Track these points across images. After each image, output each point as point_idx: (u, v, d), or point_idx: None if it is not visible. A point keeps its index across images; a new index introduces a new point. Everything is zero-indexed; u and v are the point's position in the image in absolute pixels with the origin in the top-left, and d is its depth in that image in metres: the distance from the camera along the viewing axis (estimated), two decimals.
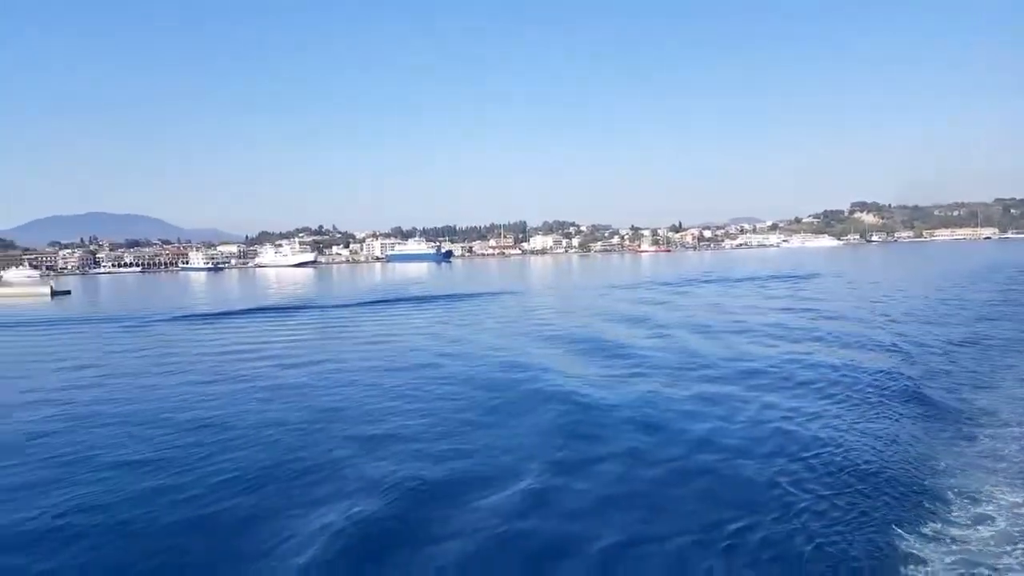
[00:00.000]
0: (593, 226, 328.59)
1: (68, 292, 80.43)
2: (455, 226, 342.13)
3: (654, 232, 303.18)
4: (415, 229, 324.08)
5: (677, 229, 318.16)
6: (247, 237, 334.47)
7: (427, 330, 33.71)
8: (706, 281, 66.85)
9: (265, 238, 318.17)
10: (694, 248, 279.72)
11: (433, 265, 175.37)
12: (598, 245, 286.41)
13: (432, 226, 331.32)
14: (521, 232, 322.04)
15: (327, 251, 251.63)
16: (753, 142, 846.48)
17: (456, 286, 73.77)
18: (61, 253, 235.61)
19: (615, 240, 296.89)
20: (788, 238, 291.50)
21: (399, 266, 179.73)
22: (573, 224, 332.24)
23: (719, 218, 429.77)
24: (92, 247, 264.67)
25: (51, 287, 79.46)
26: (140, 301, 69.46)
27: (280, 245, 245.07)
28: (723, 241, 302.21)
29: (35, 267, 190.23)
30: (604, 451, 12.38)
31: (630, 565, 8.37)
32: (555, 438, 13.15)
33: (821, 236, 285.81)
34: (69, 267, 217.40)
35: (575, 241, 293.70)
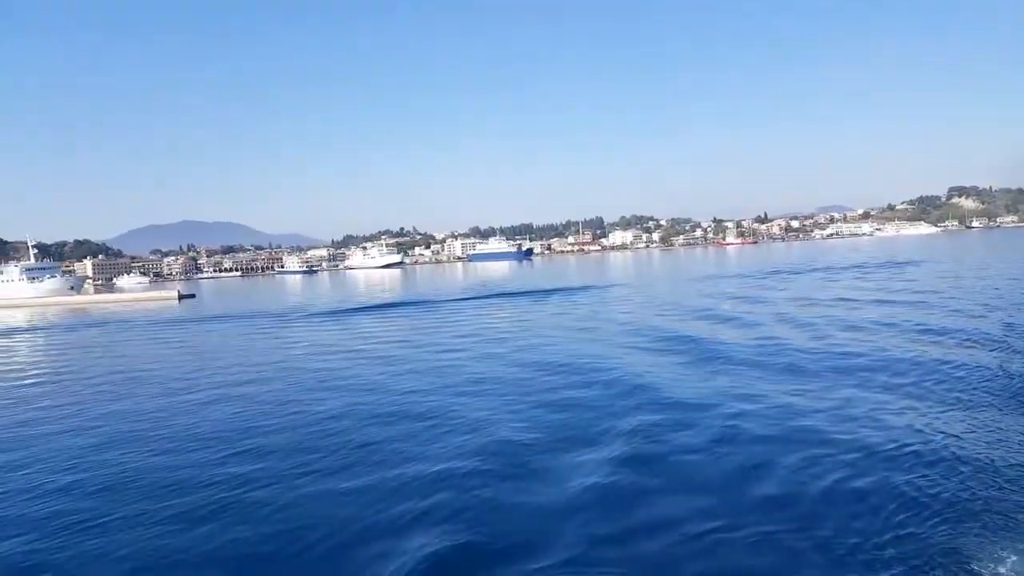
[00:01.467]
0: (673, 220, 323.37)
1: (193, 295, 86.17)
2: (532, 224, 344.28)
3: (738, 224, 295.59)
4: (492, 228, 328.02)
5: (763, 220, 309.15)
6: (332, 241, 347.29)
7: (568, 322, 34.83)
8: (812, 270, 65.44)
9: (350, 241, 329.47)
10: (782, 239, 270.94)
11: (515, 263, 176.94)
12: (680, 239, 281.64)
13: (509, 225, 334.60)
14: (599, 228, 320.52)
15: (410, 252, 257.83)
16: (838, 127, 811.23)
17: (556, 281, 74.85)
18: (166, 260, 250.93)
19: (698, 233, 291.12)
20: (881, 226, 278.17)
21: (480, 265, 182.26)
22: (652, 218, 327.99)
23: (805, 208, 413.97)
24: (192, 253, 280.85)
25: (179, 291, 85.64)
26: (261, 301, 73.66)
27: (365, 247, 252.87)
28: (812, 231, 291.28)
29: (144, 274, 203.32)
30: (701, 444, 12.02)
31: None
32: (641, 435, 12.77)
33: (917, 224, 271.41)
34: (174, 273, 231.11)
35: (655, 235, 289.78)
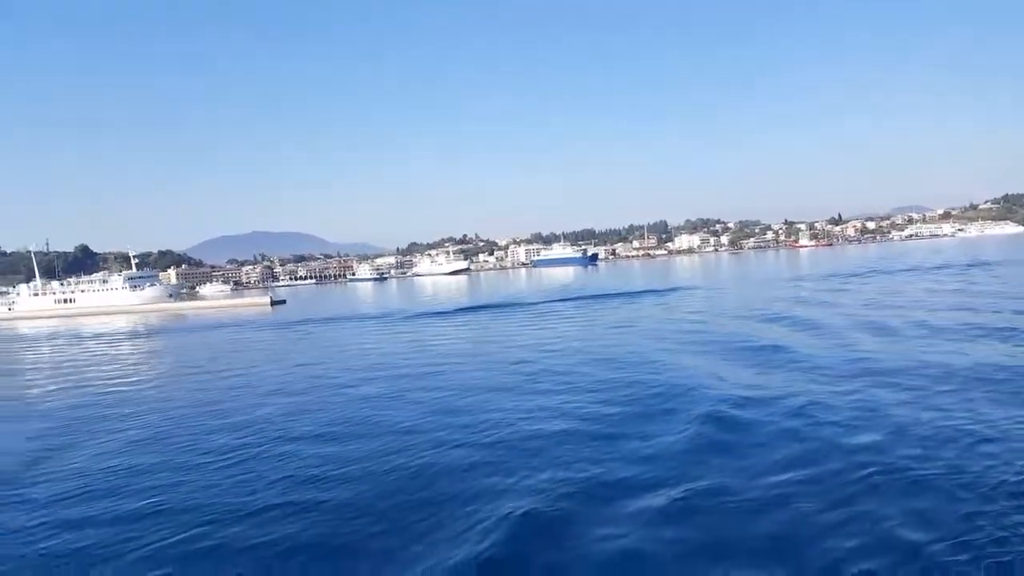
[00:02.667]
0: (741, 222, 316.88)
1: (284, 301, 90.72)
2: (594, 229, 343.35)
3: (810, 226, 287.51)
4: (554, 234, 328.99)
5: (836, 222, 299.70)
6: (398, 248, 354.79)
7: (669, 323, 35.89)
8: (897, 271, 64.38)
9: (415, 248, 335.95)
10: (858, 241, 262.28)
11: (580, 268, 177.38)
12: (750, 242, 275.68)
13: (571, 230, 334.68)
14: (663, 232, 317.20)
15: (474, 259, 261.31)
16: (914, 121, 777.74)
17: (628, 285, 75.79)
18: (244, 269, 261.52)
19: (768, 236, 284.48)
20: (964, 227, 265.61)
21: (545, 270, 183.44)
22: (719, 221, 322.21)
23: (880, 208, 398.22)
24: (266, 263, 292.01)
25: (271, 298, 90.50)
26: (348, 306, 77.30)
27: (430, 255, 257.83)
28: (889, 233, 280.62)
29: (224, 282, 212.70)
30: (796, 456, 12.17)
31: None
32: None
33: (1003, 223, 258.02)
34: (251, 281, 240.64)
35: (724, 239, 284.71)
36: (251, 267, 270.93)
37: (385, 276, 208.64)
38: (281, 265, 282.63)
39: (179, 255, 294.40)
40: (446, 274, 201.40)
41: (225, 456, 14.53)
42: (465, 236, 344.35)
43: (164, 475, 13.47)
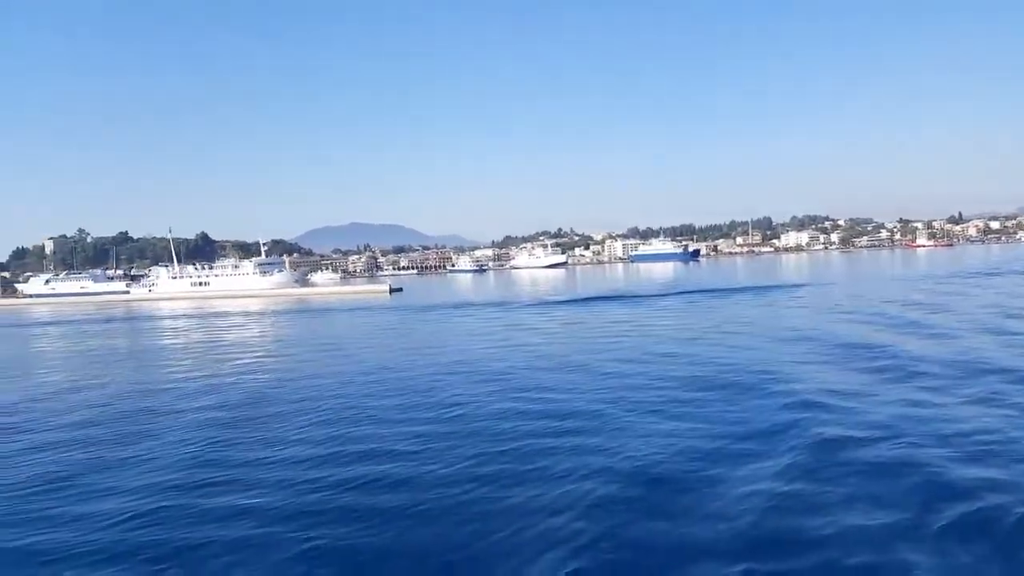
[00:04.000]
0: (851, 220, 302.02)
1: (400, 289, 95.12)
2: (693, 225, 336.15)
3: (928, 224, 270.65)
4: (651, 229, 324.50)
5: (956, 220, 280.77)
6: (493, 241, 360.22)
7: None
8: None
9: (510, 242, 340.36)
10: (981, 241, 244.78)
11: (680, 264, 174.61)
12: (863, 240, 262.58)
13: (669, 225, 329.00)
14: (768, 228, 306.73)
15: (570, 253, 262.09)
16: None
17: (750, 280, 74.94)
18: (350, 259, 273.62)
19: (882, 235, 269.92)
20: None
21: (643, 266, 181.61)
22: (827, 218, 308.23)
23: (1003, 206, 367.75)
24: (368, 253, 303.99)
25: (389, 286, 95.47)
26: (458, 294, 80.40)
27: (528, 248, 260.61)
28: (1015, 233, 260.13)
29: (333, 271, 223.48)
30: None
31: None
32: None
33: None
34: (357, 271, 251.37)
35: (834, 237, 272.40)
36: (356, 257, 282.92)
37: (484, 268, 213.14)
38: (382, 255, 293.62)
39: (291, 244, 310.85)
40: (544, 267, 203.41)
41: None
42: (560, 230, 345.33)
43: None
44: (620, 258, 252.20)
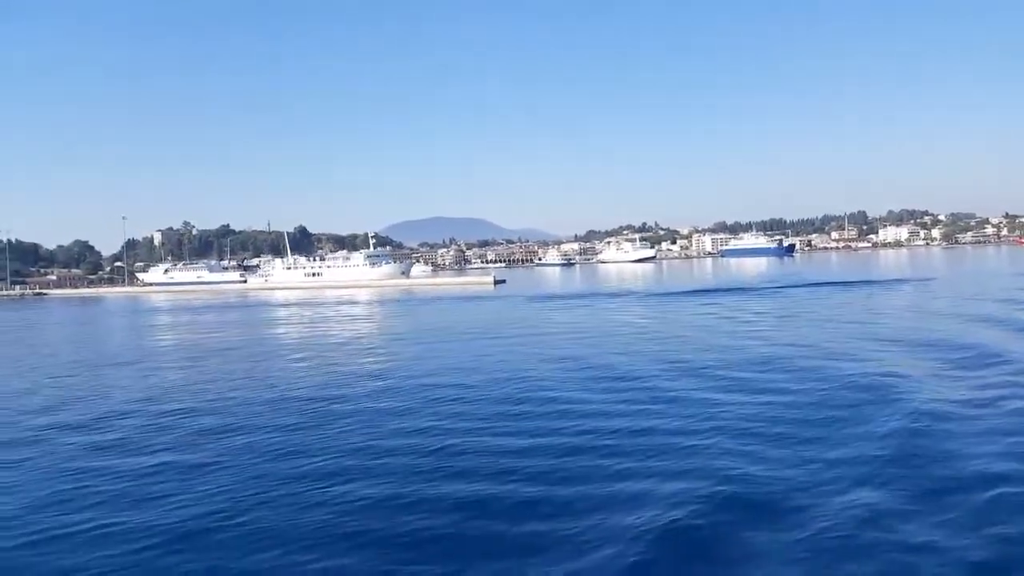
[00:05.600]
0: (953, 215, 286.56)
1: (504, 281, 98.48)
2: (783, 219, 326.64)
3: None
4: (740, 223, 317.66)
5: None
6: (576, 235, 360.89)
7: None
8: None
9: (593, 236, 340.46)
10: None
11: (774, 260, 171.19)
12: (967, 236, 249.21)
13: (758, 219, 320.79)
14: (863, 223, 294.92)
15: (657, 247, 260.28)
16: None
17: (861, 274, 74.15)
18: (439, 252, 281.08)
19: (988, 231, 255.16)
20: None
21: (735, 260, 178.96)
22: (927, 213, 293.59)
23: None
24: (456, 246, 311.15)
25: (494, 277, 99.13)
26: (563, 286, 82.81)
27: (615, 242, 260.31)
28: None
29: (426, 263, 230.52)
30: None
31: None
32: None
33: None
34: (446, 263, 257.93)
35: (935, 232, 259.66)
36: (444, 250, 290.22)
37: (572, 262, 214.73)
38: (468, 249, 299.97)
39: (383, 237, 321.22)
40: (632, 262, 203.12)
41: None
42: (645, 224, 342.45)
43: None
44: (709, 253, 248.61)
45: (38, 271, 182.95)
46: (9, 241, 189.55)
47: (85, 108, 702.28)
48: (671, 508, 9.65)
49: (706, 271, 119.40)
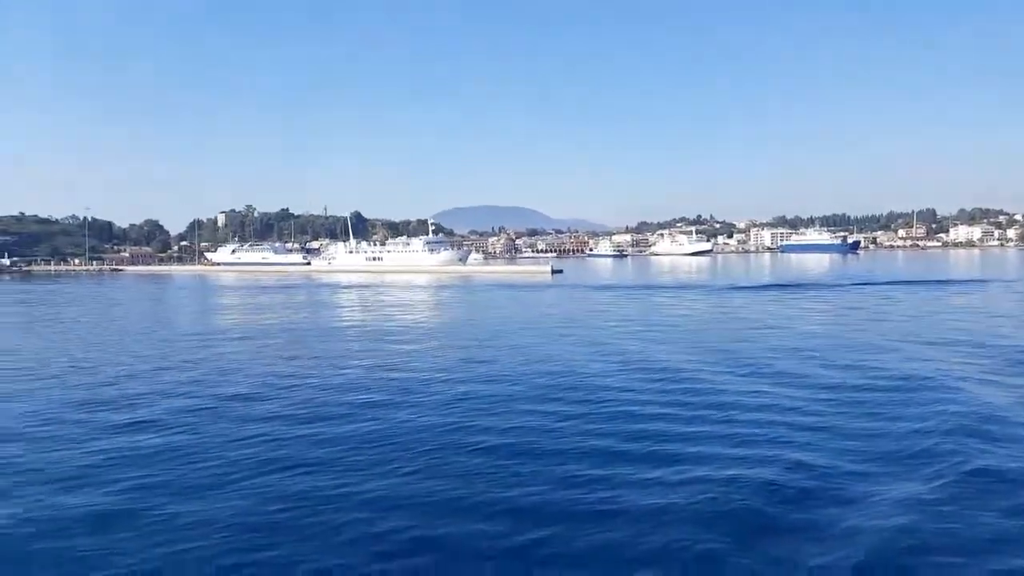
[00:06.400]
0: None
1: (561, 271, 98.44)
2: (846, 215, 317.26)
3: None
4: (799, 218, 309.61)
5: None
6: (627, 227, 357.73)
7: None
8: None
9: (645, 228, 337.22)
10: None
11: (837, 256, 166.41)
12: None
13: (820, 215, 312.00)
14: (932, 221, 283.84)
15: (713, 241, 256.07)
16: None
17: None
18: (490, 240, 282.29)
19: None
20: None
21: (795, 256, 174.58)
22: (1001, 212, 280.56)
23: None
24: (506, 235, 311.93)
25: (551, 267, 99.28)
26: (624, 278, 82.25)
27: (671, 234, 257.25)
28: None
29: (477, 251, 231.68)
30: None
31: None
32: None
33: None
34: (497, 252, 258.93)
35: (1010, 232, 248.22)
36: (494, 239, 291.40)
37: (624, 253, 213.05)
38: (517, 238, 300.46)
39: (435, 224, 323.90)
40: (687, 255, 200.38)
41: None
42: (700, 216, 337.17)
43: None
44: (768, 247, 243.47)
45: (112, 248, 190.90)
46: (84, 219, 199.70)
47: (158, 95, 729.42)
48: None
49: (769, 266, 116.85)
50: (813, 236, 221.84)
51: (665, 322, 33.39)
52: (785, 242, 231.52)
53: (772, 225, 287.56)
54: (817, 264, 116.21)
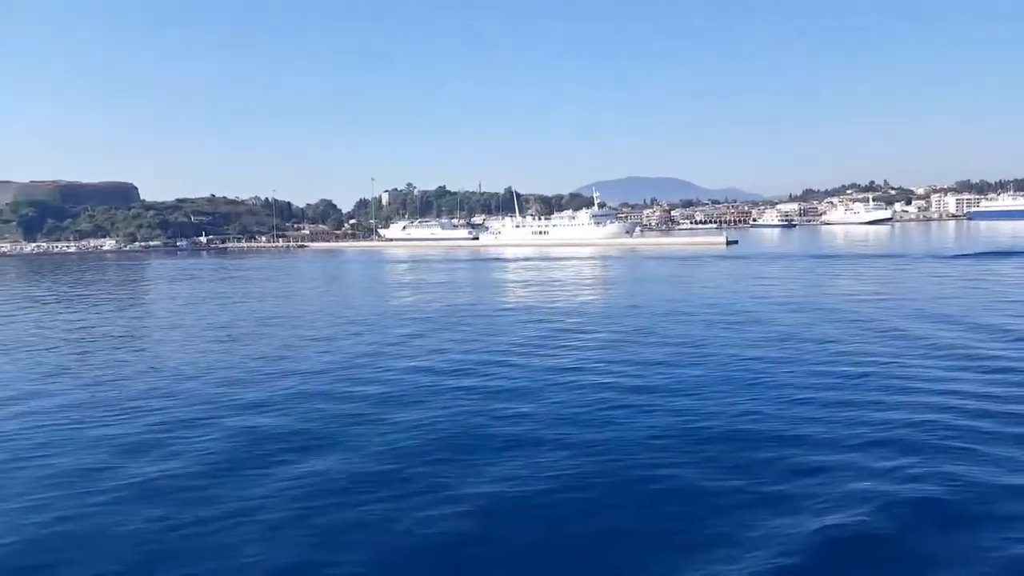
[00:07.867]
0: None
1: (736, 242, 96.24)
2: None
3: None
4: (986, 182, 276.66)
5: None
6: (791, 195, 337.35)
7: None
8: None
9: (811, 196, 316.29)
10: None
11: None
12: None
13: (1011, 177, 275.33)
14: None
15: (891, 208, 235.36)
16: None
17: None
18: (645, 212, 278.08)
19: None
20: None
21: (985, 224, 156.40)
22: None
23: None
24: (660, 207, 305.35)
25: (726, 238, 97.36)
26: (809, 247, 79.29)
27: (843, 202, 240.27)
28: None
29: (637, 224, 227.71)
30: None
31: None
32: None
33: None
34: (653, 224, 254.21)
35: None
36: (648, 211, 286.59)
37: (793, 223, 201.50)
38: (671, 209, 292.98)
39: (587, 198, 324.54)
40: (863, 223, 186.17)
41: None
42: (872, 183, 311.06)
43: None
44: (953, 214, 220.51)
45: (292, 226, 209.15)
46: (266, 199, 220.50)
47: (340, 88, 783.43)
48: None
49: (966, 234, 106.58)
50: (1007, 201, 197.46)
51: (934, 294, 31.79)
52: (974, 208, 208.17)
53: (956, 191, 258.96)
54: (1013, 231, 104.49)
